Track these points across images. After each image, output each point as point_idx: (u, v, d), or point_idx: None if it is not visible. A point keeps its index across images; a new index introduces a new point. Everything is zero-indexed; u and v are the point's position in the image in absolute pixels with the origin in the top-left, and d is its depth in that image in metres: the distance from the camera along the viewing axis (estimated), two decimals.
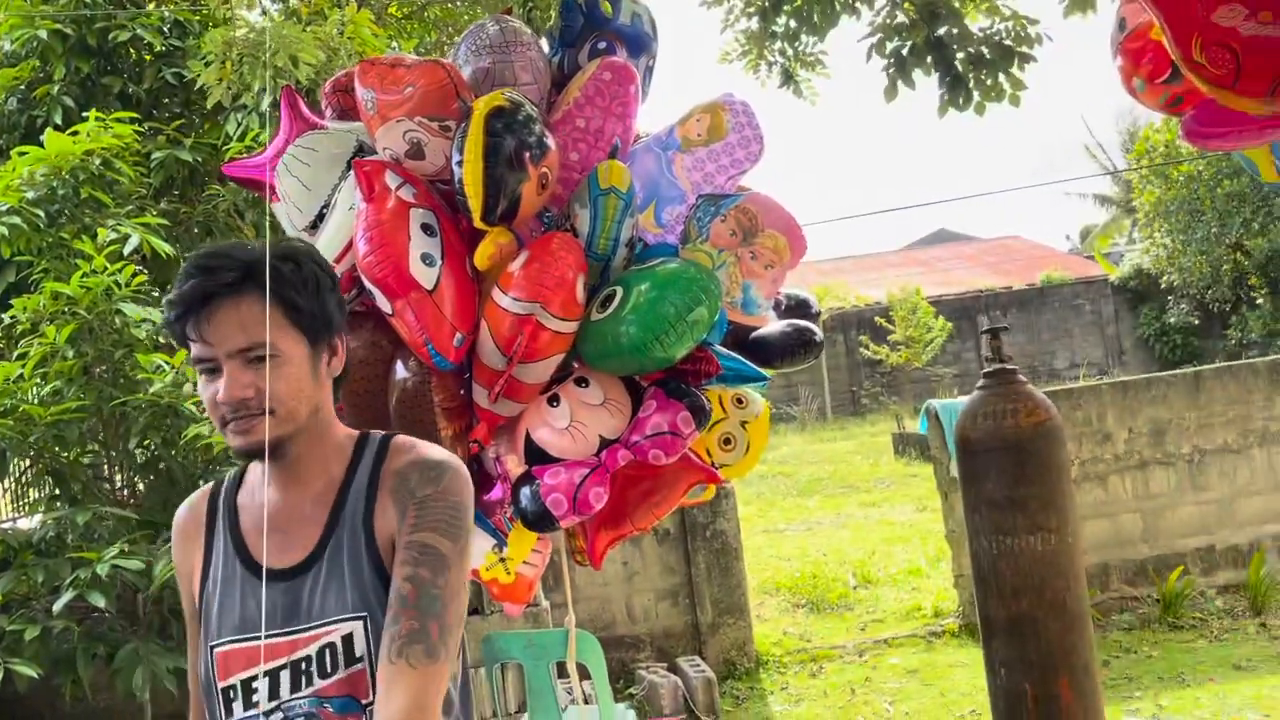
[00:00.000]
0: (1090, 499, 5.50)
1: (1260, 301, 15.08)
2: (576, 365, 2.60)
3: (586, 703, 3.56)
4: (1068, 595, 2.34)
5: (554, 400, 2.53)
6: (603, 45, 2.79)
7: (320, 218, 2.55)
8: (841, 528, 9.07)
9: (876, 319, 18.32)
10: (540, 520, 2.45)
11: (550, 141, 2.41)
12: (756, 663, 5.22)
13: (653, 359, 2.44)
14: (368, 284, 2.33)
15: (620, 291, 2.45)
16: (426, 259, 2.39)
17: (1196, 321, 16.82)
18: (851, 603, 6.36)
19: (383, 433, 1.45)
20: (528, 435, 2.54)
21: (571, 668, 3.13)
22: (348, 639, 1.29)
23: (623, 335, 2.39)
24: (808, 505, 10.38)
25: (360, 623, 1.29)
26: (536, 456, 2.52)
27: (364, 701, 1.28)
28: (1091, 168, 22.43)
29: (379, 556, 1.31)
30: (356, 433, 1.44)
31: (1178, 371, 5.81)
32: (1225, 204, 14.41)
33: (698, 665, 4.89)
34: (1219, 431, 5.64)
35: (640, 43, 2.85)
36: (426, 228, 2.43)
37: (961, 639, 5.25)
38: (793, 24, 3.53)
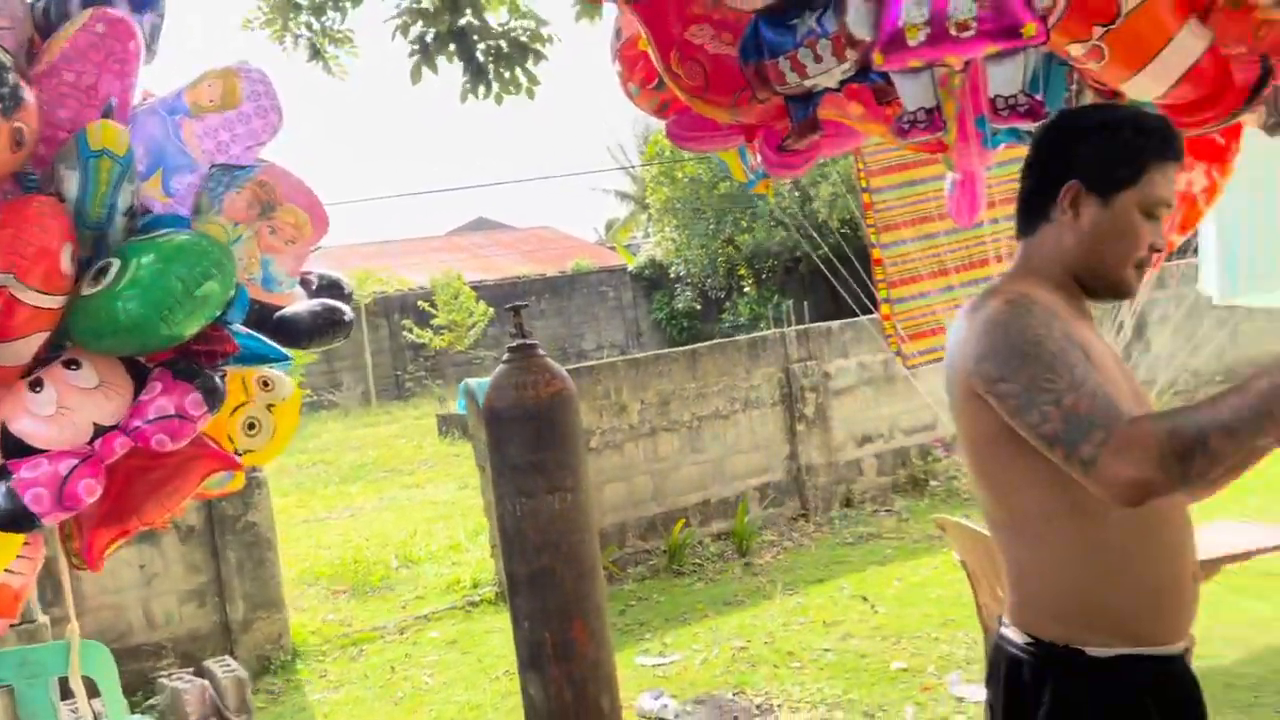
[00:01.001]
0: (610, 464, 6.05)
1: (748, 289, 17.49)
2: (69, 345, 2.35)
3: None
4: (582, 547, 2.58)
5: (37, 385, 2.27)
6: None
7: None
8: (385, 511, 9.05)
9: (420, 303, 18.41)
10: (17, 520, 2.19)
11: (27, 94, 2.16)
12: (294, 654, 5.06)
13: (158, 337, 2.29)
14: None
15: (118, 263, 2.26)
16: None
17: (699, 306, 19.05)
18: (394, 583, 6.39)
19: None
20: (4, 426, 2.26)
21: (75, 683, 2.83)
22: None
23: (121, 311, 2.22)
24: (350, 492, 10.20)
25: None
26: (17, 449, 2.24)
27: None
28: (614, 166, 24.38)
29: None
30: None
31: (679, 349, 6.57)
32: (720, 204, 16.50)
33: (228, 665, 4.61)
34: (712, 400, 6.48)
35: None
36: None
37: (498, 605, 5.51)
38: None
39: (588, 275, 21.10)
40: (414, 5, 3.40)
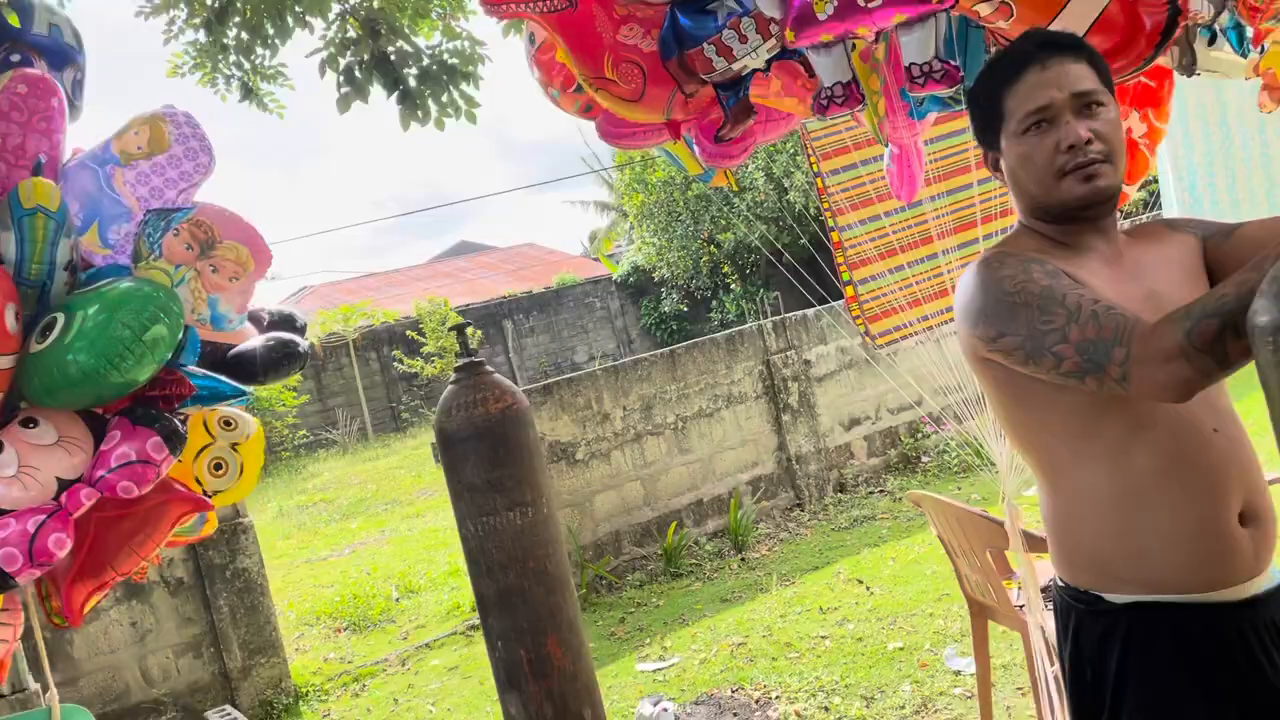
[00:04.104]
0: (599, 474, 6.04)
1: (733, 286, 17.48)
2: (24, 405, 2.37)
3: None
4: (548, 561, 2.57)
5: None
6: (16, 58, 2.55)
7: None
8: (386, 544, 9.03)
9: (408, 333, 18.41)
10: None
11: None
12: (296, 697, 5.04)
13: (111, 386, 2.30)
14: None
15: (63, 318, 2.28)
16: None
17: (686, 308, 19.05)
18: (394, 615, 6.37)
19: None
20: None
21: None
22: None
23: (71, 365, 2.24)
24: (351, 528, 10.18)
25: None
26: None
27: None
28: (591, 178, 24.40)
29: None
30: None
31: (657, 352, 6.56)
32: (696, 205, 16.50)
33: (228, 714, 4.60)
34: (695, 400, 6.47)
35: (63, 55, 2.65)
36: None
37: None
38: (244, 36, 3.44)
39: (573, 288, 21.11)
40: (338, 36, 3.40)
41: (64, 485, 2.32)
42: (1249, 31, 2.42)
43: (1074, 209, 1.50)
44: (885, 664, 3.97)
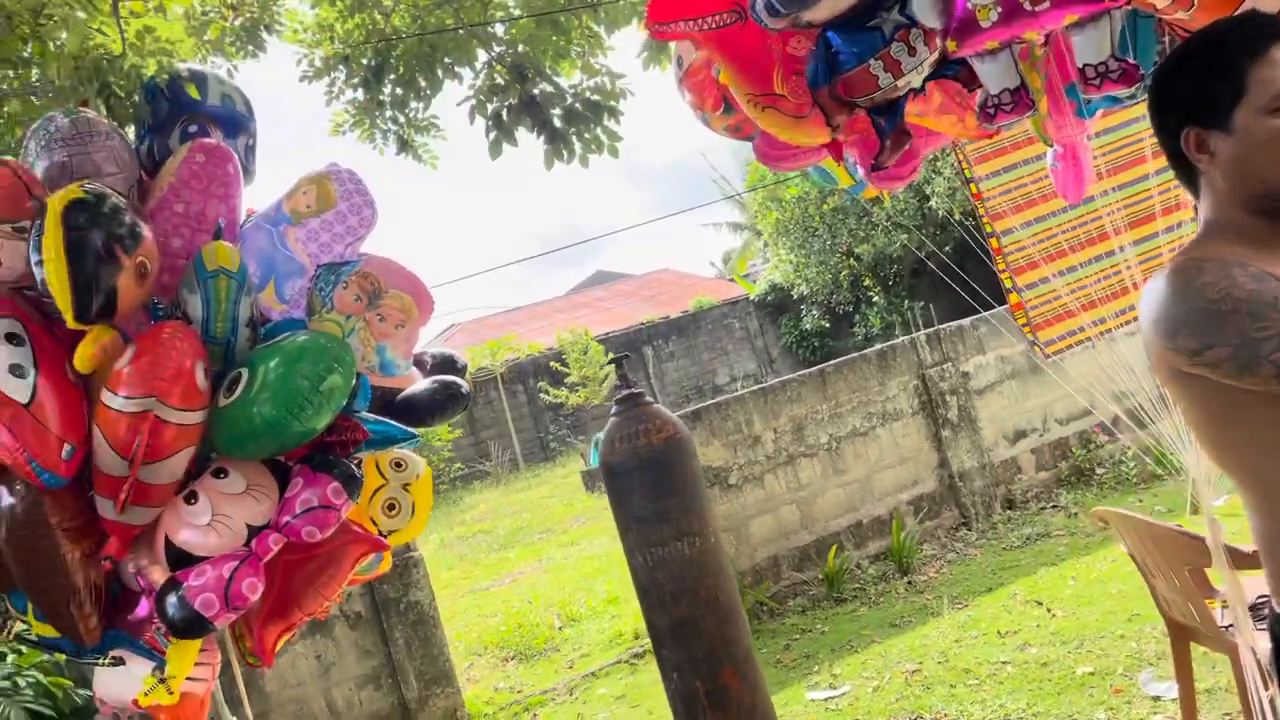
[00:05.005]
0: (753, 499, 5.97)
1: (875, 299, 17.11)
2: (214, 456, 2.50)
3: None
4: (719, 591, 2.54)
5: (191, 498, 2.42)
6: (194, 129, 2.72)
7: None
8: (544, 572, 9.18)
9: (552, 364, 18.78)
10: (192, 626, 2.33)
11: (144, 230, 2.32)
12: None
13: (293, 435, 2.41)
14: None
15: (246, 372, 2.40)
16: (16, 370, 2.24)
17: (828, 324, 18.74)
18: (558, 643, 6.44)
19: None
20: (168, 540, 2.41)
21: None
22: None
23: (256, 416, 2.35)
24: (509, 557, 10.40)
25: None
26: (181, 560, 2.39)
27: None
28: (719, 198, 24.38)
29: None
30: None
31: (806, 371, 6.45)
32: (832, 218, 16.26)
33: None
34: (848, 419, 6.33)
35: (236, 123, 2.81)
36: (12, 337, 2.26)
37: None
38: (399, 91, 3.60)
39: (710, 310, 21.10)
40: (486, 83, 3.50)
41: (253, 531, 2.44)
42: None
43: None
44: (1075, 690, 3.75)
